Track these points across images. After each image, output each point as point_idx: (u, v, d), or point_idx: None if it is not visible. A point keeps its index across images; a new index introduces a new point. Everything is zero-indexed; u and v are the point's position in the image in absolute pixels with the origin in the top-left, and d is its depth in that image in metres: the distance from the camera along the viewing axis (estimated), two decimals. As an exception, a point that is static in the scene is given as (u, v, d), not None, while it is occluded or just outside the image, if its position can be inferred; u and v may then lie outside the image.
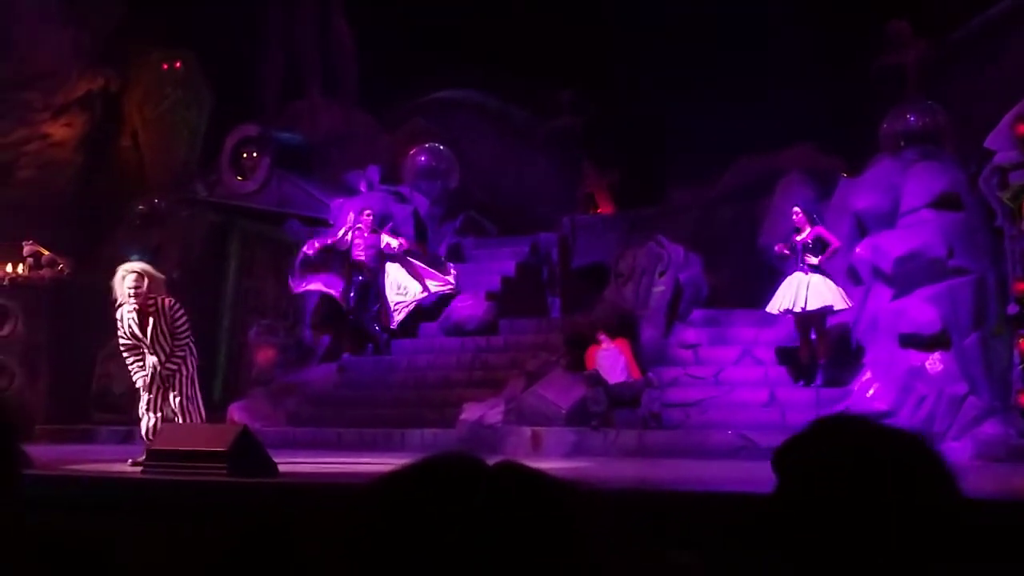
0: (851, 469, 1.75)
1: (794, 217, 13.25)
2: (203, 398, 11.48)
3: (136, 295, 10.81)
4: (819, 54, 16.60)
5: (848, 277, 13.17)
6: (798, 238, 13.07)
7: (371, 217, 16.26)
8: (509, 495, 1.25)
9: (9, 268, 17.78)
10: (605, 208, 19.07)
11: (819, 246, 13.00)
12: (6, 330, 17.29)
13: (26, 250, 18.01)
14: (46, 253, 18.11)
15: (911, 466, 1.77)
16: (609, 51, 18.51)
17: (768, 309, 13.21)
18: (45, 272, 17.99)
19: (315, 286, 16.50)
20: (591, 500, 1.39)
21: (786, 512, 1.77)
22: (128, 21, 20.33)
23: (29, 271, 17.89)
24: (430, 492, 1.24)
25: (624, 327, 13.67)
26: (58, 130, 20.29)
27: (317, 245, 16.32)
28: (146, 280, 10.94)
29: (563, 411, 13.13)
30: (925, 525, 1.74)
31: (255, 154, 18.80)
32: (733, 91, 16.63)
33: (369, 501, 1.26)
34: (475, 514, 1.21)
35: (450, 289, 16.41)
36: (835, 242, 13.01)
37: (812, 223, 13.13)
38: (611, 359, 13.29)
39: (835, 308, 12.86)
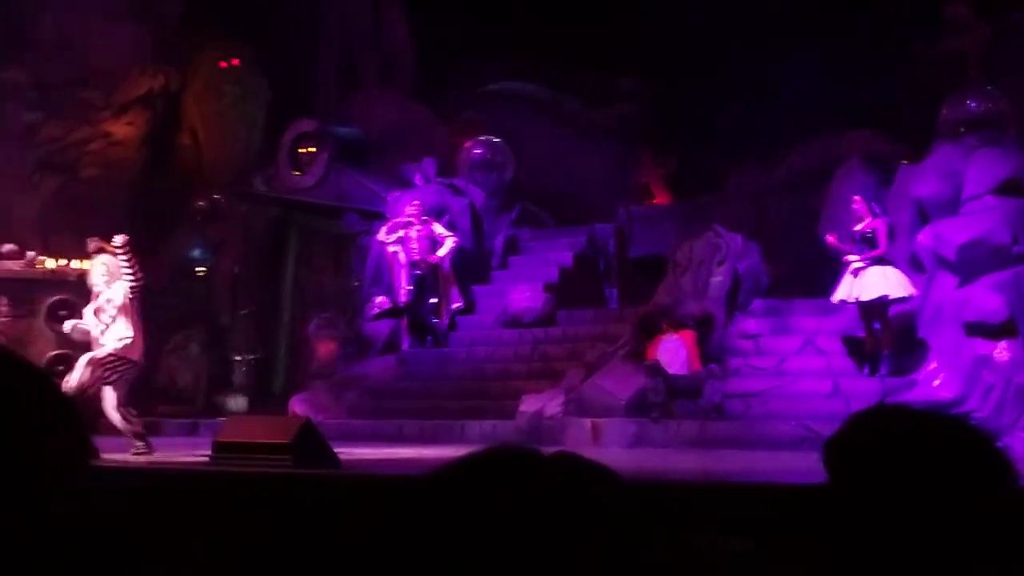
0: (901, 459, 1.74)
1: (853, 206, 13.13)
2: (264, 391, 12.06)
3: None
4: (881, 38, 16.39)
5: (911, 265, 13.02)
6: (856, 228, 12.95)
7: (417, 208, 16.28)
8: (565, 485, 1.24)
9: (76, 264, 18.07)
10: (661, 198, 19.00)
11: (871, 241, 12.88)
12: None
13: (91, 247, 18.22)
14: (110, 249, 18.34)
15: (963, 456, 1.76)
16: (665, 36, 18.39)
17: (832, 299, 13.13)
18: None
19: (380, 298, 16.70)
20: (647, 490, 1.40)
21: (838, 503, 1.77)
22: (186, 18, 20.55)
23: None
24: (486, 483, 1.24)
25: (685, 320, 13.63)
26: (120, 128, 20.53)
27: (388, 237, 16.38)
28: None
29: (622, 402, 13.10)
30: (978, 518, 1.72)
31: (312, 149, 18.92)
32: (792, 76, 16.46)
33: (426, 492, 1.27)
34: (531, 504, 1.21)
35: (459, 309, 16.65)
36: (882, 246, 12.84)
37: (872, 215, 13.00)
38: (673, 351, 13.25)
39: (891, 297, 12.72)
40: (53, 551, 1.22)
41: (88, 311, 11.89)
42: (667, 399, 12.90)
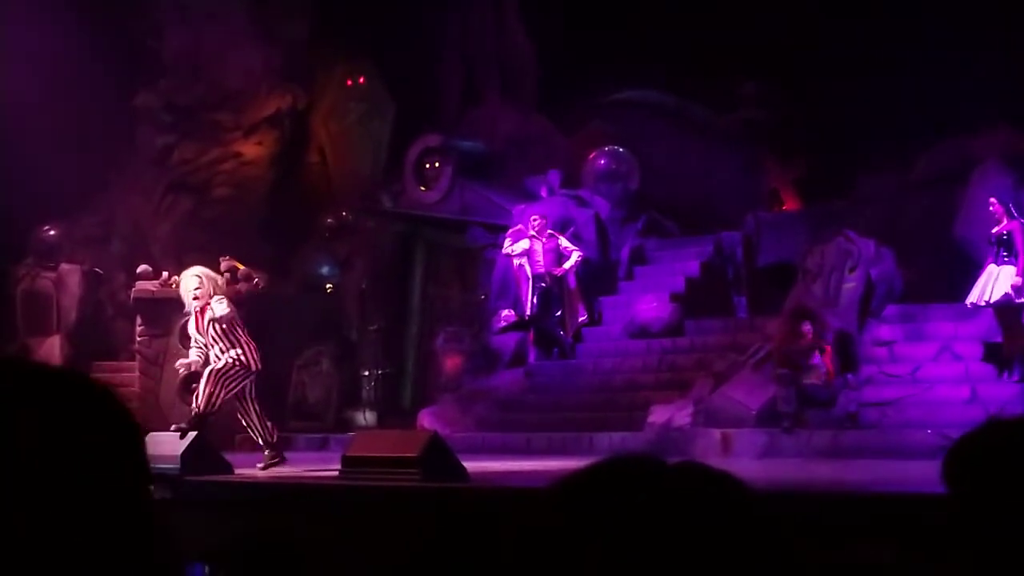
0: (1013, 471, 1.72)
1: (991, 208, 12.80)
2: (393, 405, 12.48)
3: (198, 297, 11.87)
4: (1016, 29, 15.90)
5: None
6: (993, 230, 12.62)
7: (540, 221, 16.33)
8: (689, 495, 1.24)
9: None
10: (791, 204, 18.74)
11: (1007, 244, 12.53)
12: (206, 342, 18.07)
13: (223, 265, 18.68)
14: (242, 268, 18.78)
15: None
16: (790, 39, 18.14)
17: (967, 302, 12.82)
18: (242, 286, 18.67)
19: (506, 311, 16.81)
20: (775, 500, 1.40)
21: (964, 515, 1.74)
22: (312, 38, 21.00)
23: (227, 285, 18.61)
24: (608, 492, 1.24)
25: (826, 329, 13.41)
26: (250, 148, 21.05)
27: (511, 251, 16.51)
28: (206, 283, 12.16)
29: (753, 412, 12.97)
30: None
31: (437, 164, 19.11)
32: (924, 73, 16.09)
33: (547, 502, 1.28)
34: (654, 513, 1.21)
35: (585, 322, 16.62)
36: (1021, 249, 12.45)
37: (1010, 216, 12.66)
38: (816, 358, 13.03)
39: (1016, 300, 12.37)
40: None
41: (190, 327, 12.15)
42: (799, 408, 12.71)
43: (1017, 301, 12.41)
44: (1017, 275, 12.45)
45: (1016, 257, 12.53)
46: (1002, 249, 12.54)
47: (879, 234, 14.57)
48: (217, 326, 11.99)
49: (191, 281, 12.19)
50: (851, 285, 14.01)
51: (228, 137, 20.97)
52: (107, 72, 19.26)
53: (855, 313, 13.88)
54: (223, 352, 11.92)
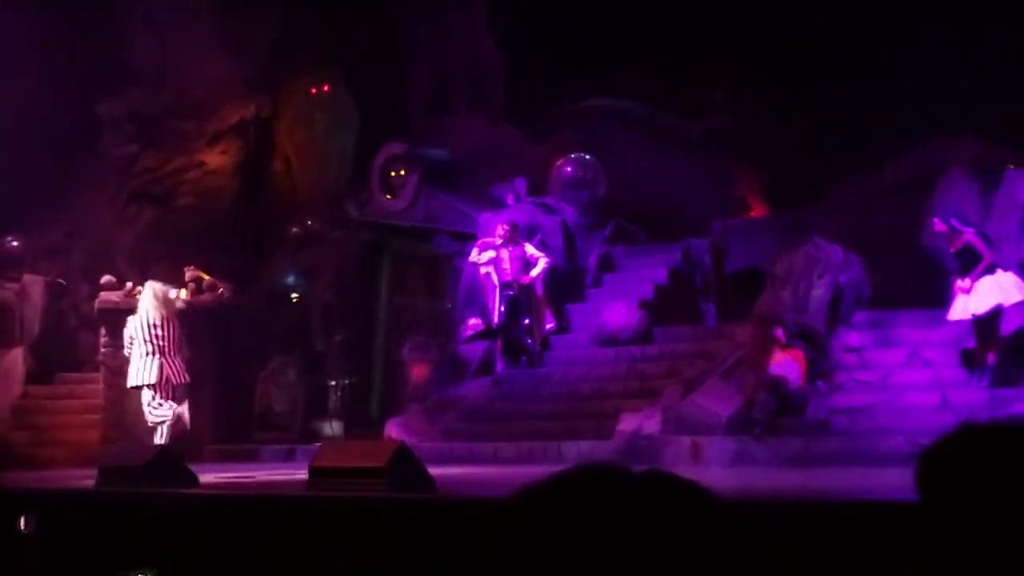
0: (997, 477, 1.72)
1: (935, 229, 12.88)
2: (359, 415, 12.98)
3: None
4: (985, 41, 16.02)
5: (1020, 272, 12.69)
6: (952, 249, 12.69)
7: (507, 229, 16.32)
8: (654, 504, 1.24)
9: (172, 293, 18.39)
10: (759, 210, 18.79)
11: (970, 255, 12.56)
12: (171, 354, 17.91)
13: (188, 275, 18.62)
14: (207, 278, 18.69)
15: None
16: (758, 46, 18.22)
17: (948, 317, 12.86)
18: (206, 296, 18.58)
19: (473, 320, 16.78)
20: (744, 508, 1.36)
21: (936, 521, 1.74)
22: (278, 47, 20.92)
23: (191, 296, 18.50)
24: (574, 501, 1.24)
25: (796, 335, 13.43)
26: (214, 158, 20.95)
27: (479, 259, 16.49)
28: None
29: (723, 419, 12.95)
30: None
31: (403, 172, 19.12)
32: (892, 82, 16.19)
33: (514, 511, 1.28)
34: (619, 522, 1.21)
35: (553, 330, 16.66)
36: (986, 255, 12.50)
37: (955, 231, 12.69)
38: (786, 367, 13.04)
39: (1007, 304, 12.42)
40: None
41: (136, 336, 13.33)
42: (773, 416, 12.70)
43: (1007, 306, 12.45)
44: (1017, 284, 12.45)
45: (975, 267, 12.56)
46: (966, 262, 12.59)
47: (847, 240, 14.62)
48: None
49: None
50: (819, 291, 14.04)
51: (192, 146, 20.87)
52: (72, 80, 19.13)
53: (824, 319, 13.91)
54: None
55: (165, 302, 14.02)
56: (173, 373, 13.83)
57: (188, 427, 13.79)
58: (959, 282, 12.63)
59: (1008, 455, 1.74)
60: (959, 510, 1.73)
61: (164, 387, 13.67)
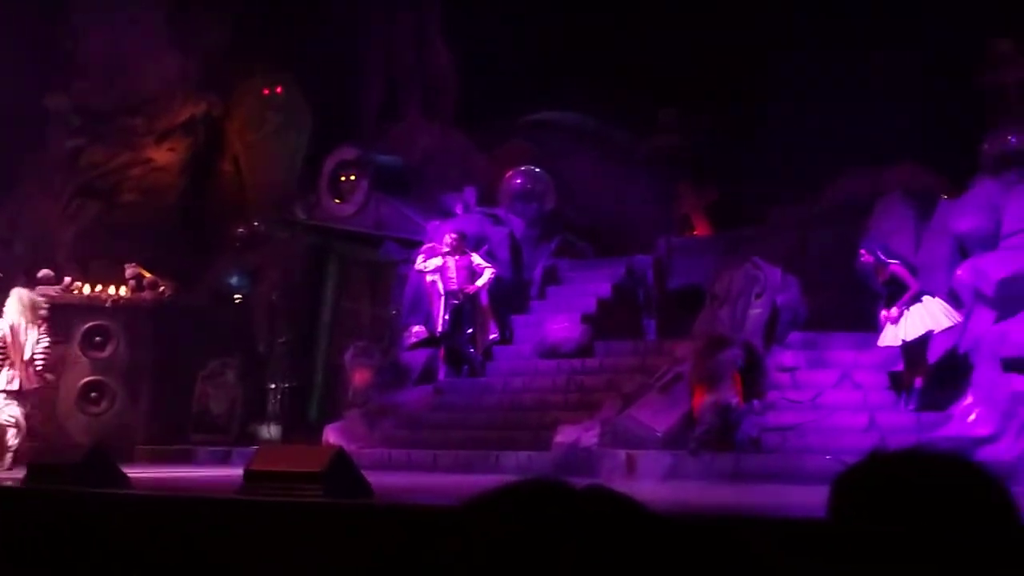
0: (901, 504, 1.76)
1: (862, 260, 13.11)
2: (299, 420, 12.99)
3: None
4: (925, 70, 16.33)
5: (949, 299, 12.96)
6: (880, 280, 12.95)
7: (455, 238, 16.36)
8: (595, 520, 1.26)
9: (112, 290, 18.27)
10: (702, 229, 18.96)
11: (897, 285, 12.82)
12: (108, 351, 17.75)
13: (128, 272, 18.48)
14: (148, 275, 18.55)
15: (959, 497, 1.77)
16: (707, 69, 18.41)
17: (879, 343, 13.09)
18: (147, 294, 18.45)
19: (417, 327, 16.77)
20: (676, 525, 1.41)
21: (842, 539, 1.79)
22: (230, 47, 20.80)
23: (131, 293, 18.37)
24: (516, 518, 1.26)
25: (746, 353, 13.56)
26: (161, 155, 20.77)
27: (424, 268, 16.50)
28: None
29: (659, 434, 13.09)
30: (981, 558, 1.73)
31: (353, 177, 19.03)
32: (835, 108, 16.43)
33: (456, 526, 1.28)
34: (561, 539, 1.22)
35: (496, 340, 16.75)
36: (913, 285, 12.77)
37: (881, 263, 12.95)
38: (724, 386, 13.12)
39: (936, 331, 12.67)
40: None
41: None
42: (719, 437, 12.82)
43: (937, 332, 12.69)
44: (944, 310, 12.69)
45: (908, 289, 12.81)
46: (893, 291, 12.85)
47: (786, 262, 14.81)
48: None
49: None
50: (757, 311, 14.20)
51: (140, 142, 20.67)
52: (18, 71, 18.90)
53: (760, 339, 14.08)
54: None
55: (31, 308, 14.26)
56: (25, 379, 14.09)
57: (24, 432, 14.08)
58: (884, 312, 12.90)
59: (913, 484, 1.81)
60: (869, 539, 1.79)
61: (14, 394, 13.99)
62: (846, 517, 1.85)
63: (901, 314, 12.76)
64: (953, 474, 1.84)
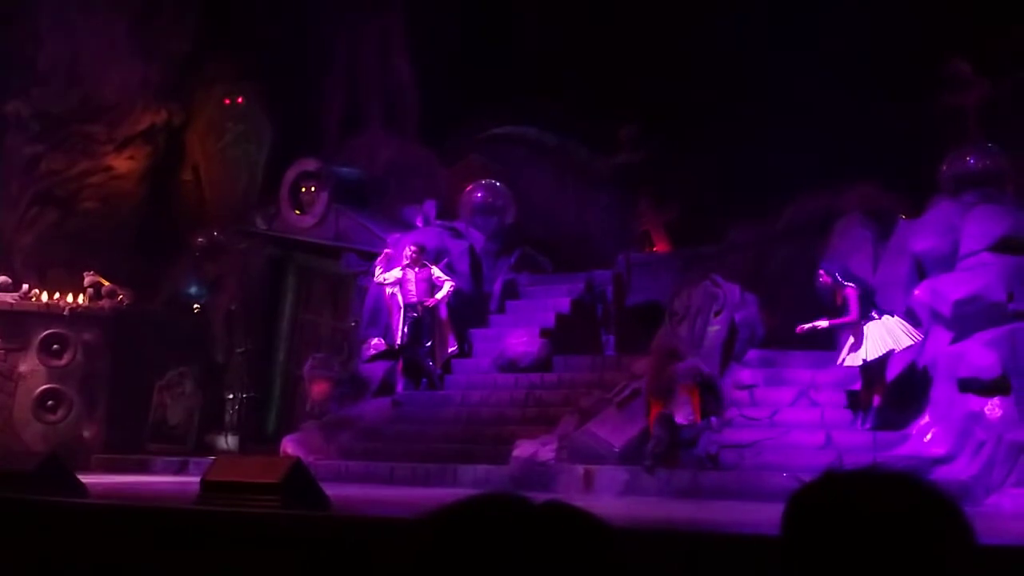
0: (853, 524, 1.79)
1: (821, 280, 13.24)
2: (256, 430, 12.94)
3: None
4: (883, 92, 16.50)
5: (907, 319, 13.08)
6: (838, 301, 13.09)
7: (415, 251, 16.36)
8: (553, 536, 1.25)
9: (70, 298, 18.11)
10: (661, 246, 19.05)
11: (847, 305, 12.99)
12: (65, 359, 17.60)
13: (87, 280, 18.34)
14: (106, 284, 18.42)
15: (923, 516, 1.80)
16: (667, 87, 18.53)
17: (838, 363, 13.20)
18: (105, 302, 18.31)
19: (376, 340, 16.75)
20: (634, 540, 1.43)
21: (791, 561, 1.81)
22: (192, 57, 20.73)
23: (89, 301, 18.23)
24: (474, 533, 1.25)
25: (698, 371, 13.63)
26: (121, 163, 20.65)
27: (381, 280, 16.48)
28: None
29: (616, 449, 13.14)
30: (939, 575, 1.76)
31: (314, 188, 19.00)
32: (795, 127, 16.56)
33: (414, 539, 1.28)
34: (519, 555, 1.22)
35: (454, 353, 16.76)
36: (853, 313, 12.93)
37: (839, 284, 13.10)
38: (682, 403, 13.20)
39: (897, 350, 12.80)
40: None
41: None
42: (669, 450, 12.89)
43: (898, 351, 12.82)
44: (903, 328, 12.84)
45: (849, 314, 12.97)
46: (846, 314, 13.02)
47: (744, 280, 14.90)
48: None
49: None
50: (716, 328, 14.28)
51: (100, 150, 20.54)
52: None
53: (719, 356, 14.16)
54: None
55: None
56: None
57: None
58: (820, 321, 13.04)
59: (867, 504, 1.83)
60: (816, 554, 1.77)
61: None
62: (799, 535, 1.86)
63: (840, 336, 12.95)
64: (908, 495, 1.86)
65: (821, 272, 13.32)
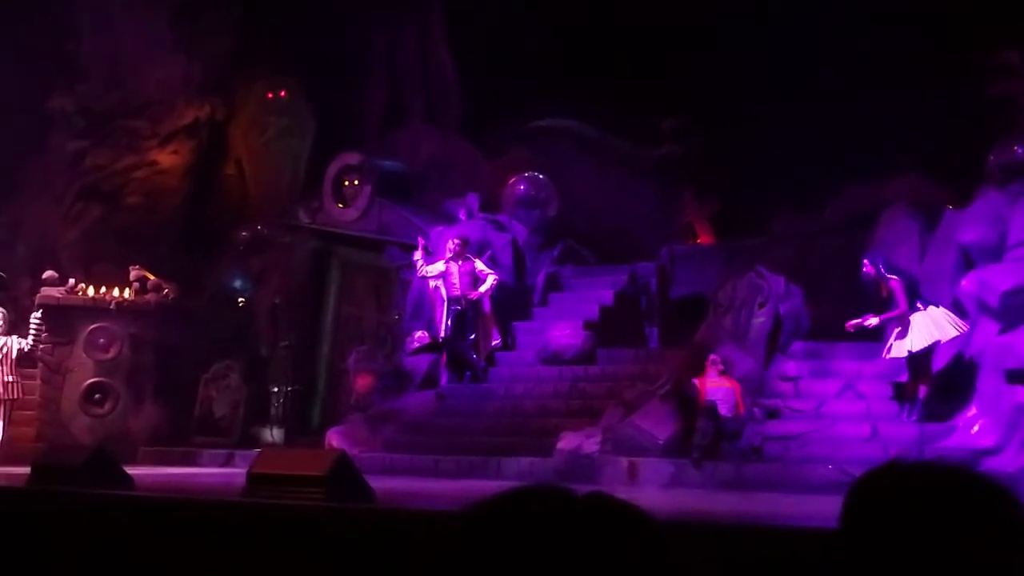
0: (905, 515, 1.79)
1: (865, 270, 13.15)
2: (301, 423, 13.11)
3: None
4: (931, 81, 16.32)
5: (954, 310, 12.98)
6: (884, 293, 13.01)
7: (458, 244, 16.38)
8: (596, 528, 1.25)
9: (116, 292, 18.31)
10: (705, 238, 18.99)
11: (894, 301, 12.90)
12: (112, 353, 17.78)
13: (132, 275, 18.52)
14: (152, 278, 18.59)
15: (975, 511, 1.80)
16: (711, 79, 18.44)
17: (884, 355, 13.12)
18: (150, 296, 18.48)
19: (419, 333, 16.79)
20: (681, 533, 1.43)
21: (853, 551, 1.81)
22: (236, 51, 20.85)
23: (135, 295, 18.41)
24: (517, 525, 1.25)
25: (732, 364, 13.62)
26: (165, 157, 20.81)
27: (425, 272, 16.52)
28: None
29: (660, 442, 13.13)
30: (996, 567, 1.76)
31: (356, 182, 19.05)
32: (840, 118, 16.46)
33: (456, 532, 1.28)
34: (562, 547, 1.22)
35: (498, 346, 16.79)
36: (902, 305, 12.83)
37: (883, 277, 13.01)
38: (722, 394, 13.21)
39: (943, 341, 12.71)
40: None
41: None
42: (713, 442, 12.89)
43: (944, 341, 12.73)
44: (950, 320, 12.76)
45: (897, 307, 12.88)
46: (889, 305, 12.93)
47: (789, 272, 14.83)
48: None
49: None
50: (760, 320, 14.23)
51: (144, 145, 20.71)
52: (21, 74, 18.94)
53: (763, 348, 14.12)
54: None
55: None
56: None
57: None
58: (869, 318, 12.97)
59: (932, 497, 1.82)
60: (881, 545, 1.77)
61: None
62: (862, 525, 1.86)
63: (887, 328, 12.86)
64: (969, 485, 1.87)
65: (865, 263, 13.24)
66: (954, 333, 12.73)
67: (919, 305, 12.90)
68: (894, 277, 13.02)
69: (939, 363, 12.93)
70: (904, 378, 13.12)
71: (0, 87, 18.54)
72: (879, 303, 13.10)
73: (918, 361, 12.88)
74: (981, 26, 15.53)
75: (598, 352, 16.22)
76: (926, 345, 12.74)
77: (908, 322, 12.83)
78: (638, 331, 17.12)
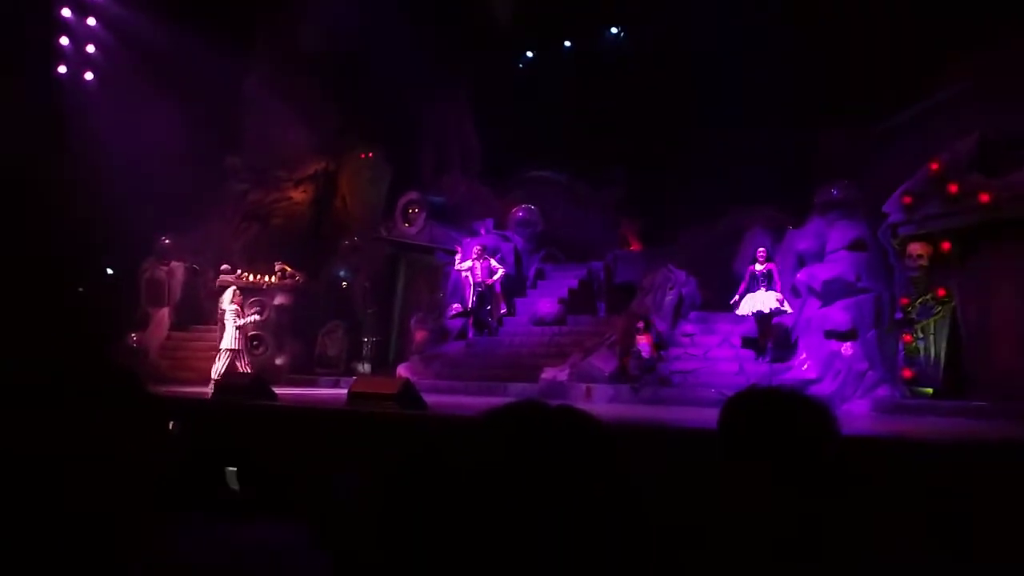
0: (769, 419, 1.81)
1: (759, 251, 13.10)
2: (382, 361, 12.70)
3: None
4: (778, 142, 15.98)
5: (791, 293, 12.96)
6: (757, 268, 12.92)
7: (480, 250, 16.34)
8: (565, 428, 1.24)
9: (267, 278, 18.35)
10: (635, 246, 18.92)
11: (768, 278, 12.81)
12: (265, 316, 17.80)
13: (277, 267, 18.56)
14: (289, 270, 18.63)
15: (807, 415, 1.82)
16: (642, 141, 18.27)
17: (737, 312, 13.07)
18: (288, 281, 18.52)
19: (455, 305, 16.72)
20: (620, 433, 1.43)
21: (727, 445, 1.83)
22: (340, 127, 20.79)
23: (279, 280, 18.43)
24: (514, 424, 1.25)
25: (650, 325, 13.60)
26: (298, 194, 20.82)
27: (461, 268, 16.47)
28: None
29: (606, 374, 13.15)
30: (818, 452, 1.78)
31: (416, 210, 19.02)
32: (726, 168, 16.17)
33: (476, 428, 1.27)
34: (543, 439, 1.21)
35: (505, 313, 16.51)
36: (778, 281, 12.74)
37: (770, 261, 12.97)
38: (644, 343, 13.20)
39: (764, 311, 12.69)
40: None
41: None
42: (640, 373, 12.88)
43: (780, 311, 12.67)
44: (777, 298, 12.70)
45: (774, 286, 12.81)
46: (764, 281, 12.85)
47: (688, 267, 14.80)
48: None
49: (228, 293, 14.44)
50: (669, 298, 14.22)
51: (284, 186, 20.73)
52: (207, 143, 18.93)
53: (671, 316, 14.10)
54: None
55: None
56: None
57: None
58: (751, 293, 12.82)
59: (777, 408, 1.83)
60: (745, 441, 1.80)
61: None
62: (734, 428, 1.87)
63: (763, 294, 12.71)
64: (799, 401, 1.89)
65: (762, 249, 12.96)
66: (788, 309, 12.64)
67: (763, 286, 12.84)
68: (773, 263, 12.98)
69: (783, 327, 12.90)
70: (755, 335, 13.09)
71: (193, 149, 18.53)
72: (757, 277, 12.92)
73: (764, 323, 12.86)
74: (819, 98, 15.15)
75: (568, 318, 16.18)
76: (751, 312, 12.67)
77: (756, 295, 12.75)
78: (593, 305, 17.08)
